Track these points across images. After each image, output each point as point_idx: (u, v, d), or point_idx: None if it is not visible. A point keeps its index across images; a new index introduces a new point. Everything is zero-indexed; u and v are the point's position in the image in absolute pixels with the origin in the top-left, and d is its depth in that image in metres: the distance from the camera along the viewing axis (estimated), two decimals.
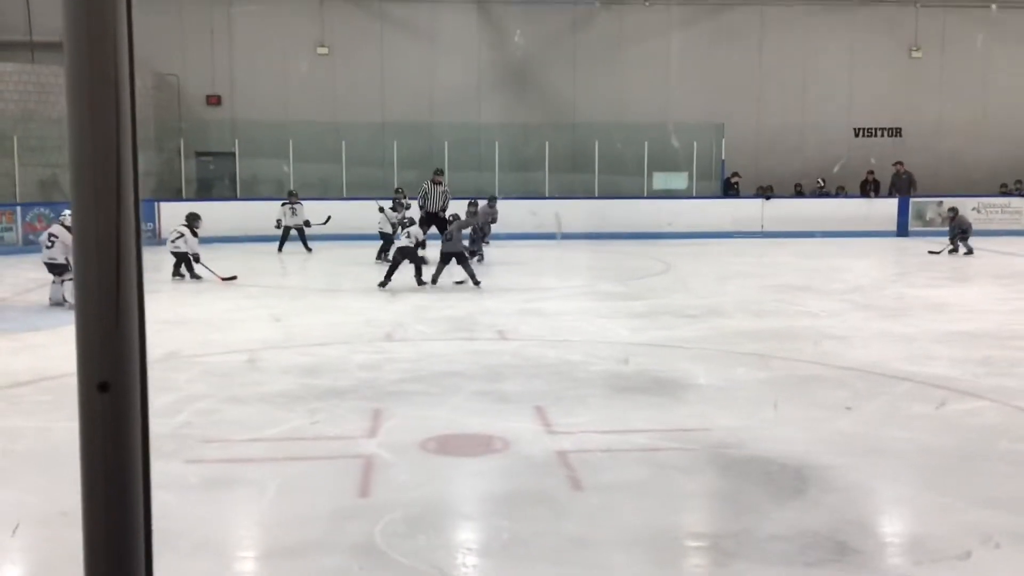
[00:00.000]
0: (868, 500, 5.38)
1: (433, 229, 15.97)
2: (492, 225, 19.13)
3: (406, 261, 13.63)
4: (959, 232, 18.35)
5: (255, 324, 11.22)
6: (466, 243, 14.93)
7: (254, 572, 4.63)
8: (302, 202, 19.10)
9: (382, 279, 13.64)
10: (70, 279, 11.50)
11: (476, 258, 15.86)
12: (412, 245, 13.69)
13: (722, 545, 4.70)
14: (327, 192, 22.82)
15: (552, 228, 20.31)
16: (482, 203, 18.08)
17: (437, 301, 12.80)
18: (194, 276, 14.57)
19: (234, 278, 14.45)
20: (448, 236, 13.97)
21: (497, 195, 20.34)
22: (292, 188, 20.32)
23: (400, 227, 15.64)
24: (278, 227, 19.00)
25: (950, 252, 18.24)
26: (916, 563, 4.48)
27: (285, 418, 6.86)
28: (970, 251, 18.05)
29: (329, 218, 18.74)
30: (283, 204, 19.12)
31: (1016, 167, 24.57)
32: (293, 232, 18.91)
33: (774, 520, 4.91)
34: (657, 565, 4.41)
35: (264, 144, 22.93)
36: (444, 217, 16.17)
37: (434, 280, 13.64)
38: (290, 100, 23.67)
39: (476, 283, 13.55)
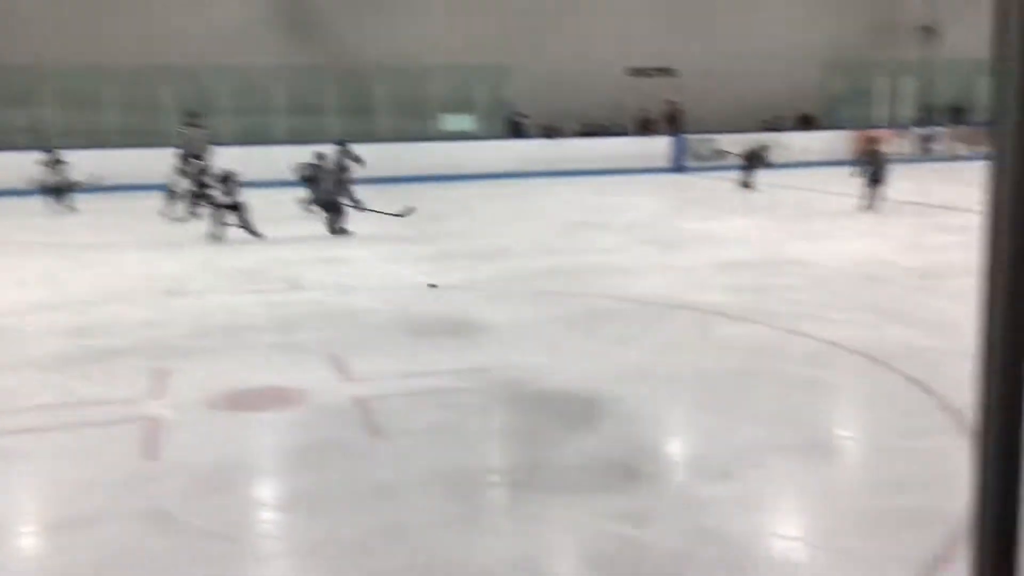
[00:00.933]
0: (653, 426, 5.67)
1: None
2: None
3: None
4: (757, 165, 19.08)
5: (20, 285, 10.39)
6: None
7: (35, 547, 4.33)
8: (64, 159, 17.61)
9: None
10: None
11: (357, 208, 14.05)
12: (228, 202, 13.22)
13: (519, 478, 4.83)
14: (91, 142, 21.18)
15: None
16: (329, 150, 15.64)
17: (225, 253, 12.31)
18: None
19: None
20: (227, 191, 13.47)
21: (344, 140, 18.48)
22: (53, 142, 18.71)
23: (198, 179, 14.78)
24: (41, 184, 17.46)
25: (744, 186, 18.95)
26: (698, 481, 4.77)
27: (59, 383, 6.42)
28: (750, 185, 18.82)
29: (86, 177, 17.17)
30: (43, 160, 17.57)
31: (780, 103, 26.25)
32: (59, 188, 17.42)
33: (567, 451, 5.09)
34: (458, 503, 4.47)
35: (11, 90, 21.03)
36: (203, 163, 15.51)
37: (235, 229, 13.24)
38: (47, 41, 21.80)
39: (256, 234, 13.15)
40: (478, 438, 5.49)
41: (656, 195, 19.79)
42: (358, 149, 16.31)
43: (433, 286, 7.60)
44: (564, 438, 5.29)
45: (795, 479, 4.80)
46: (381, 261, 11.61)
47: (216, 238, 13.10)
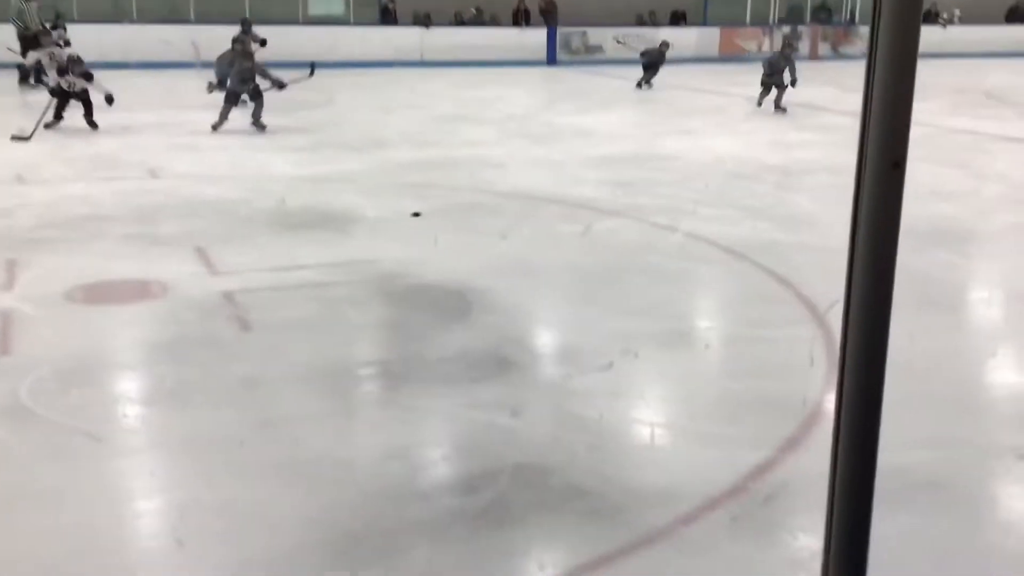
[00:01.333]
0: (525, 318, 5.74)
1: None
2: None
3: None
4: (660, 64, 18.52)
5: None
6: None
7: None
8: None
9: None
10: None
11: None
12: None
13: (392, 371, 4.84)
14: None
15: (191, 57, 18.58)
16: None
17: (78, 140, 11.63)
18: None
19: None
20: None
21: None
22: None
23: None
24: None
25: (641, 85, 18.51)
26: (569, 371, 4.88)
27: None
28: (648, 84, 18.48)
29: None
30: None
31: None
32: None
33: (440, 343, 5.11)
34: (329, 397, 4.45)
35: None
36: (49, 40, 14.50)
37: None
38: None
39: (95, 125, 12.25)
40: (351, 332, 5.44)
41: (530, 88, 19.66)
42: (220, 31, 15.52)
43: (417, 215, 7.35)
44: (438, 331, 5.31)
45: (661, 368, 4.96)
46: (248, 150, 11.20)
47: (50, 126, 12.12)
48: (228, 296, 5.81)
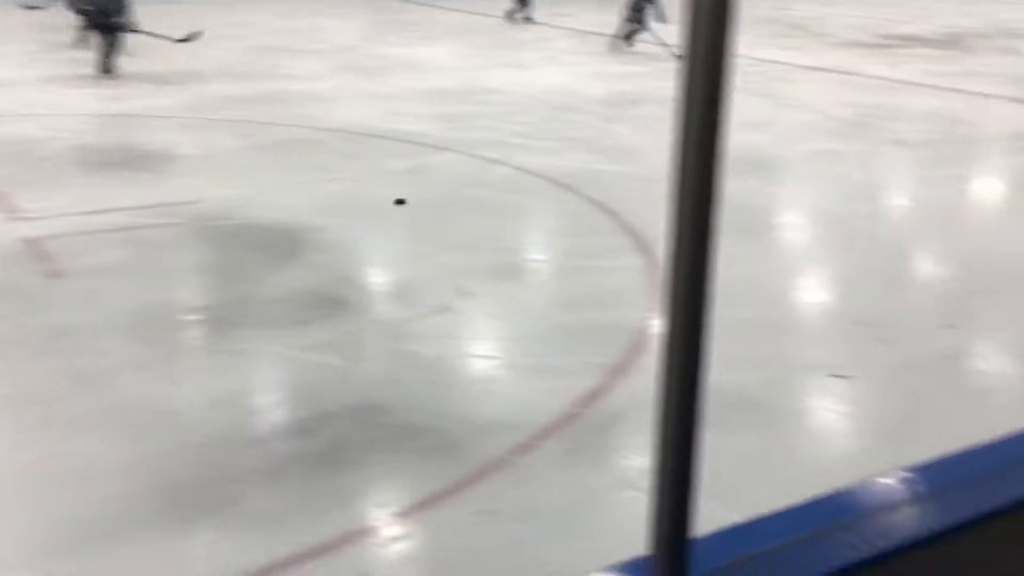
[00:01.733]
0: (357, 256, 5.66)
1: None
2: None
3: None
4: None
5: None
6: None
7: None
8: None
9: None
10: None
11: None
12: None
13: (219, 315, 4.67)
14: None
15: None
16: None
17: None
18: None
19: None
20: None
21: None
22: None
23: None
24: None
25: (522, 20, 17.65)
26: (401, 308, 4.85)
27: None
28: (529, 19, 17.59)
29: None
30: None
31: None
32: None
33: (270, 285, 4.97)
34: (150, 344, 4.26)
35: None
36: None
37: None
38: None
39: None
40: (171, 276, 5.21)
41: (350, 18, 19.11)
42: None
43: (401, 202, 6.38)
44: (265, 273, 5.15)
45: (494, 302, 5.00)
46: (49, 85, 10.43)
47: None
48: (33, 243, 5.44)
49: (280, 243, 5.61)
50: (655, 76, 11.95)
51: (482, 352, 4.44)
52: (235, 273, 5.19)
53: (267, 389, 4.06)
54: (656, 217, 6.43)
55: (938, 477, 1.47)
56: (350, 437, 3.53)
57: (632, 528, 1.44)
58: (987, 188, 7.75)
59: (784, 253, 6.16)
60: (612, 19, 14.77)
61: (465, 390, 4.01)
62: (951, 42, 15.28)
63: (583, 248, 5.82)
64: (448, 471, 3.31)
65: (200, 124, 8.80)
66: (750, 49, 13.86)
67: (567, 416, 3.70)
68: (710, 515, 1.17)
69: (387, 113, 9.48)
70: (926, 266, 5.91)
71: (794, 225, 6.73)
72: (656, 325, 4.48)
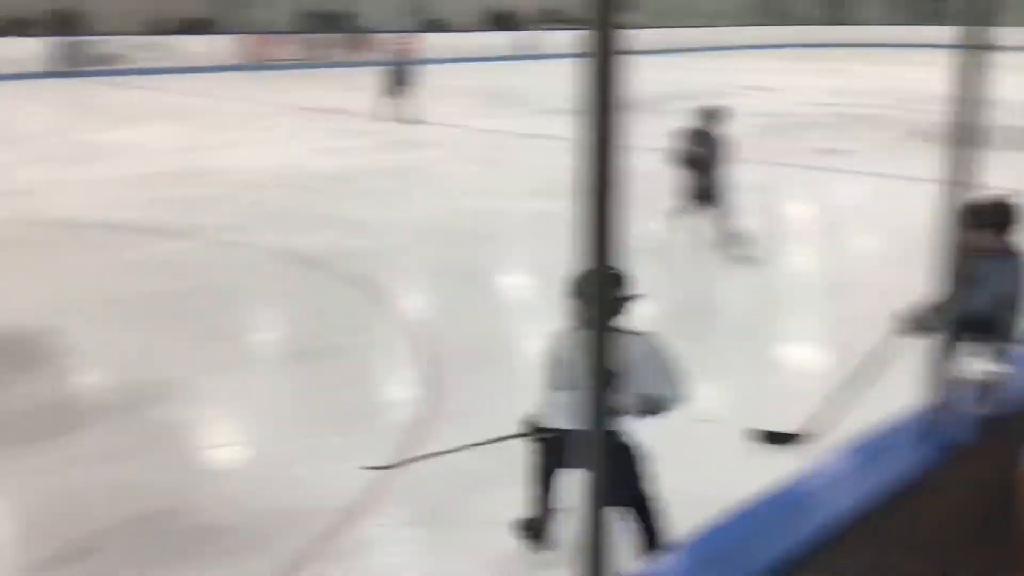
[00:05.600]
0: (98, 357, 5.26)
1: None
2: None
3: None
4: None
5: None
6: None
7: None
8: None
9: None
10: None
11: None
12: None
13: None
14: None
15: None
16: None
17: None
18: None
19: None
20: None
21: None
22: None
23: None
24: None
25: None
26: (161, 408, 4.54)
27: None
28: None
29: None
30: None
31: (163, 6, 25.08)
32: None
33: (5, 400, 4.55)
34: None
35: None
36: None
37: None
38: None
39: None
40: None
41: (42, 103, 17.82)
42: None
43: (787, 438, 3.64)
44: (7, 384, 4.71)
45: (238, 391, 4.81)
46: None
47: None
48: None
49: (11, 350, 5.15)
50: (379, 148, 12.14)
51: (223, 440, 4.32)
52: None
53: (21, 516, 3.69)
54: (401, 285, 6.48)
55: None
56: (133, 550, 3.31)
57: None
58: None
59: (510, 310, 6.29)
60: (335, 94, 14.82)
61: (211, 479, 3.86)
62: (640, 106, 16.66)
63: (343, 325, 5.71)
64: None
65: None
66: (467, 119, 14.38)
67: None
68: None
69: (100, 202, 8.95)
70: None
71: (516, 285, 6.88)
72: (423, 400, 4.56)
